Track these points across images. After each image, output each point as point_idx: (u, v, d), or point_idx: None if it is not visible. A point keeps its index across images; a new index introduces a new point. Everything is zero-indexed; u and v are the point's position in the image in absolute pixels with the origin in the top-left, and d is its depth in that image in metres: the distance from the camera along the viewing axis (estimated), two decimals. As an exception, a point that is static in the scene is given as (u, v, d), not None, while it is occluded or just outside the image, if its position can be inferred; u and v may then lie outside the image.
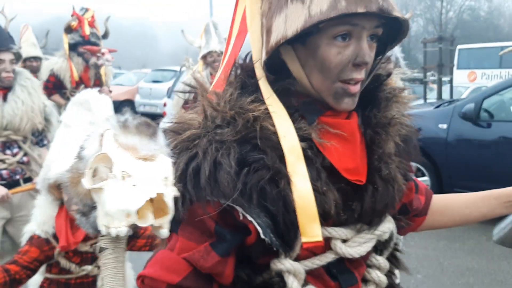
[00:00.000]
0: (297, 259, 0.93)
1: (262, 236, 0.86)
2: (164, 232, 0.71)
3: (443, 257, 4.41)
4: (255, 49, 0.96)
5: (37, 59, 5.62)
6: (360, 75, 0.92)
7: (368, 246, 0.99)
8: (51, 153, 1.99)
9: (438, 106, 6.17)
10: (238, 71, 0.97)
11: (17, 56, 2.76)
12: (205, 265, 0.88)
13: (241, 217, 0.86)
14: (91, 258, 1.95)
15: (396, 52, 3.40)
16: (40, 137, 2.88)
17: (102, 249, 0.74)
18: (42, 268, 2.01)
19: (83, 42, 5.16)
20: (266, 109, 0.90)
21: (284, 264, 0.92)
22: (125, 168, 0.67)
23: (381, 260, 1.05)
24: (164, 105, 8.82)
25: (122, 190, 0.66)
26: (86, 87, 5.03)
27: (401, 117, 1.03)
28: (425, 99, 9.77)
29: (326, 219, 0.90)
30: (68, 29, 5.19)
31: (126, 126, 0.73)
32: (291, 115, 0.91)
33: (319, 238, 0.87)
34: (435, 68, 10.14)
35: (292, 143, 0.88)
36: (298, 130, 0.90)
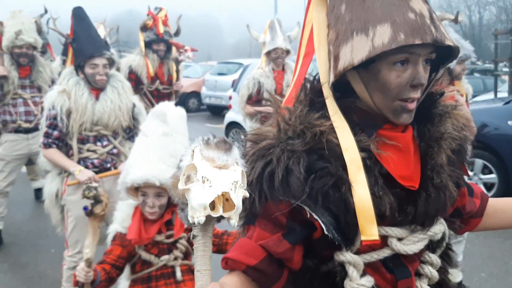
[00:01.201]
0: (358, 252, 1.08)
1: (325, 232, 1.01)
2: (233, 222, 0.89)
3: (508, 256, 4.33)
4: (322, 71, 1.11)
5: None
6: (417, 94, 1.06)
7: (421, 245, 1.12)
8: (130, 159, 2.18)
9: (508, 102, 5.96)
10: (307, 91, 1.13)
11: (111, 61, 3.06)
12: (277, 250, 1.05)
13: (308, 215, 1.02)
14: (168, 249, 2.11)
15: (466, 46, 3.37)
16: (131, 134, 3.19)
17: (194, 237, 0.93)
18: (128, 273, 2.21)
19: (157, 40, 5.44)
20: (331, 124, 1.05)
21: (345, 256, 1.07)
22: (205, 174, 0.88)
23: (434, 257, 1.18)
24: (230, 98, 9.02)
25: (202, 190, 0.87)
26: (161, 82, 5.37)
27: (453, 132, 1.15)
28: (495, 92, 9.36)
29: (383, 219, 1.05)
30: (144, 28, 5.50)
31: (208, 143, 0.92)
32: (352, 128, 1.05)
33: (376, 237, 1.01)
34: (507, 61, 9.66)
35: (353, 155, 1.02)
36: (358, 142, 1.04)
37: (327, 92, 1.09)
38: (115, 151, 3.09)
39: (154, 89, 5.36)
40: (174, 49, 5.49)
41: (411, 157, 1.10)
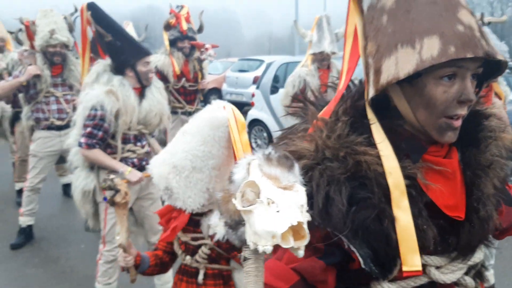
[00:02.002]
0: (394, 279, 1.04)
1: (363, 266, 0.97)
2: (300, 253, 0.81)
3: (539, 259, 4.27)
4: (366, 88, 1.05)
5: None
6: (464, 111, 1.00)
7: (459, 274, 1.08)
8: (162, 154, 2.05)
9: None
10: (347, 108, 1.07)
11: None
12: (313, 272, 1.00)
13: (346, 246, 0.98)
14: (192, 250, 2.06)
15: (502, 47, 3.31)
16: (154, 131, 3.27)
17: (245, 259, 0.86)
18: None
19: (181, 37, 5.47)
20: (377, 153, 0.99)
21: (383, 286, 1.04)
22: (269, 196, 0.80)
23: (468, 280, 1.12)
24: (253, 95, 9.01)
25: (268, 215, 0.78)
26: (187, 79, 5.41)
27: (501, 160, 1.09)
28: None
29: (423, 250, 1.00)
30: (167, 27, 5.53)
31: (269, 158, 0.85)
32: (396, 153, 0.99)
33: (419, 268, 0.96)
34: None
35: (397, 180, 0.97)
36: (403, 168, 0.98)
37: (371, 115, 1.04)
38: (149, 149, 3.15)
39: (181, 87, 5.40)
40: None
41: (457, 185, 1.05)
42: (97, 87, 2.95)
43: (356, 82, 1.15)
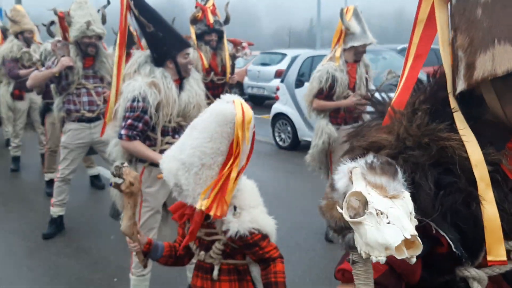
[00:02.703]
0: (479, 266, 1.04)
1: (454, 249, 0.97)
2: (413, 260, 0.81)
3: None
4: (448, 79, 1.05)
5: None
6: None
7: None
8: (172, 149, 1.98)
9: None
10: (425, 97, 1.07)
11: None
12: (402, 263, 0.98)
13: (434, 231, 0.98)
14: (206, 245, 2.02)
15: None
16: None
17: (353, 262, 0.88)
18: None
19: (208, 31, 5.44)
20: (460, 138, 1.00)
21: (470, 272, 1.04)
22: (378, 207, 0.79)
23: None
24: (277, 89, 8.97)
25: (379, 227, 0.78)
26: (215, 73, 5.39)
27: None
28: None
29: (509, 235, 1.00)
30: (194, 21, 5.50)
31: (372, 167, 0.85)
32: (479, 141, 1.00)
33: (504, 258, 0.97)
34: None
35: (482, 172, 0.98)
36: (486, 155, 0.99)
37: (454, 104, 1.04)
38: None
39: (209, 81, 5.38)
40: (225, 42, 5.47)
41: None
42: (139, 79, 2.91)
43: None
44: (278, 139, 8.71)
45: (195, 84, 3.07)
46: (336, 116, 4.42)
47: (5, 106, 6.78)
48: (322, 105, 4.37)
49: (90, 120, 4.52)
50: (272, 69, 13.99)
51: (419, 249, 0.80)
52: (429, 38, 1.12)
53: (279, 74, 13.44)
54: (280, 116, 8.63)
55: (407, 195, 0.84)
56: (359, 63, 4.38)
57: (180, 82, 3.05)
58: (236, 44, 5.35)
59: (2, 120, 7.82)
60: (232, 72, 5.50)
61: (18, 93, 6.77)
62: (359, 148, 1.08)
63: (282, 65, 13.64)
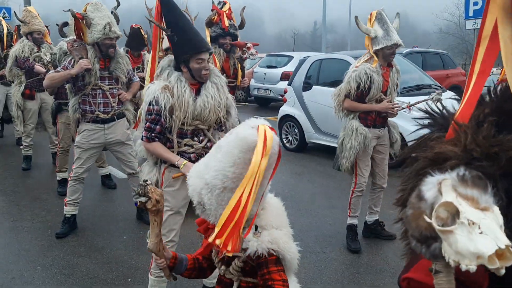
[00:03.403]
0: None
1: None
2: (502, 272, 0.82)
3: None
4: None
5: None
6: None
7: None
8: (201, 163, 1.97)
9: None
10: (491, 109, 1.09)
11: (209, 56, 3.10)
12: (472, 275, 0.98)
13: None
14: (227, 261, 1.99)
15: None
16: (220, 124, 3.22)
17: (436, 272, 0.90)
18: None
19: (223, 34, 5.50)
20: None
21: None
22: (470, 217, 0.82)
23: None
24: (285, 91, 9.01)
25: (471, 236, 0.80)
26: (227, 76, 5.43)
27: None
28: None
29: None
30: (209, 23, 5.56)
31: (464, 179, 0.87)
32: None
33: None
34: None
35: None
36: None
37: None
38: (209, 144, 3.15)
39: (221, 83, 5.41)
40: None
41: None
42: (156, 82, 3.00)
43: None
44: (285, 141, 8.75)
45: (214, 89, 3.06)
46: (366, 118, 4.40)
47: (16, 105, 6.84)
48: (354, 106, 4.35)
49: (104, 121, 4.57)
50: (278, 71, 14.04)
51: (510, 260, 0.81)
52: (492, 54, 1.15)
53: (285, 76, 13.49)
54: (287, 118, 8.67)
55: (496, 208, 0.85)
56: (392, 68, 4.39)
57: (198, 86, 3.07)
58: (240, 46, 5.40)
59: (13, 119, 7.90)
60: (243, 76, 5.55)
61: (29, 93, 6.83)
62: (425, 159, 1.09)
63: (288, 67, 13.69)
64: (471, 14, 12.25)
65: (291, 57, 14.23)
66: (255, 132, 1.75)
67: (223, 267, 2.00)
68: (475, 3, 12.14)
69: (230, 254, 1.76)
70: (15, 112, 6.89)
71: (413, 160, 1.16)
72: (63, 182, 6.03)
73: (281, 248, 1.82)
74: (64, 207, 4.77)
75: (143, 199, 2.02)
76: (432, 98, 4.48)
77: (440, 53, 13.86)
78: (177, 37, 3.05)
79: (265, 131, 1.74)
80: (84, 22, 4.28)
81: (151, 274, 3.24)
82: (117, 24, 4.58)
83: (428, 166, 1.07)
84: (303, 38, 59.14)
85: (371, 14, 4.32)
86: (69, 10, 4.46)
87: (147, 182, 2.06)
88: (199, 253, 2.19)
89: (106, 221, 5.14)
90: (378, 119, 4.41)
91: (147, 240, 2.15)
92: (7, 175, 6.88)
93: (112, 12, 4.61)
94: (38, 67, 6.52)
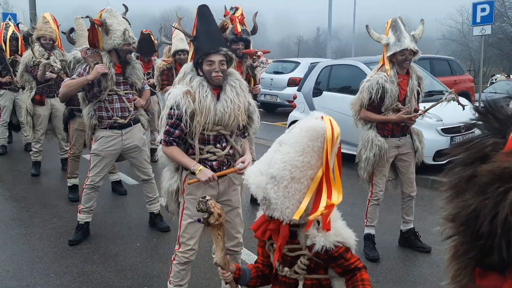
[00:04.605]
0: None
1: None
2: None
3: None
4: None
5: (184, 51, 6.15)
6: None
7: None
8: (257, 165, 2.01)
9: None
10: None
11: (228, 58, 3.02)
12: None
13: None
14: (290, 261, 2.03)
15: None
16: (243, 130, 3.17)
17: None
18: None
19: (236, 39, 5.47)
20: None
21: None
22: None
23: None
24: (294, 97, 8.98)
25: None
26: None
27: None
28: None
29: None
30: (222, 29, 5.53)
31: None
32: None
33: None
34: None
35: None
36: None
37: None
38: (231, 151, 3.10)
39: (234, 89, 5.38)
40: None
41: None
42: (179, 87, 2.96)
43: None
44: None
45: (232, 92, 2.99)
46: (383, 128, 4.33)
47: (25, 111, 6.82)
48: (369, 117, 4.29)
49: (121, 127, 4.53)
50: (285, 77, 14.02)
51: None
52: None
53: (292, 82, 13.47)
54: (297, 124, 8.62)
55: None
56: (412, 75, 4.29)
57: (219, 91, 3.02)
58: (251, 54, 5.37)
59: (21, 125, 7.88)
60: (255, 83, 5.52)
61: (39, 98, 6.80)
62: (488, 174, 0.99)
63: (295, 73, 13.68)
64: (478, 20, 12.20)
65: (298, 63, 14.22)
66: (322, 121, 1.87)
67: (285, 268, 2.03)
68: (483, 10, 12.09)
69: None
70: (25, 118, 6.86)
71: (471, 175, 1.07)
72: (74, 188, 5.99)
73: (344, 238, 1.93)
74: (78, 214, 4.72)
75: (205, 214, 2.09)
76: (446, 99, 4.42)
77: (448, 59, 13.82)
78: (196, 42, 3.07)
79: (330, 120, 1.88)
80: (102, 29, 4.26)
81: (170, 283, 3.18)
82: None
83: (494, 183, 0.98)
84: (306, 45, 59.29)
85: (387, 22, 4.30)
86: (87, 17, 4.44)
87: (206, 198, 2.12)
88: (259, 261, 2.20)
89: (119, 228, 5.08)
90: (396, 129, 4.33)
91: (212, 256, 2.14)
92: (16, 182, 6.84)
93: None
94: (49, 75, 6.50)
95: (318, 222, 1.94)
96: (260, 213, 2.15)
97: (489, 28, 11.97)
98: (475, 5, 12.26)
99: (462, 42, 43.01)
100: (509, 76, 27.90)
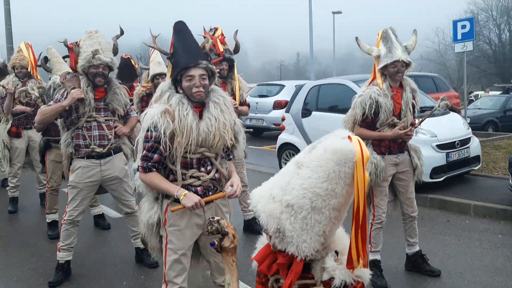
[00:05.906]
0: None
1: None
2: None
3: None
4: None
5: (162, 75, 5.90)
6: None
7: None
8: (268, 187, 1.79)
9: None
10: None
11: (210, 73, 2.75)
12: None
13: None
14: None
15: None
16: (227, 152, 2.89)
17: None
18: None
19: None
20: None
21: None
22: None
23: None
24: (283, 119, 8.78)
25: None
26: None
27: None
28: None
29: None
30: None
31: None
32: None
33: None
34: None
35: None
36: None
37: None
38: (217, 175, 2.81)
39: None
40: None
41: None
42: (155, 106, 2.67)
43: None
44: (284, 171, 8.43)
45: (216, 109, 2.72)
46: (380, 145, 4.06)
47: (2, 144, 6.46)
48: (364, 135, 3.95)
49: (100, 156, 4.18)
50: (270, 100, 13.88)
51: None
52: None
53: (277, 105, 13.31)
54: (287, 146, 8.38)
55: None
56: (405, 87, 4.05)
57: (201, 108, 2.74)
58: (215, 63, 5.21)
59: (-2, 160, 7.47)
60: (241, 100, 5.31)
61: (15, 130, 6.47)
62: None
63: (281, 96, 13.55)
64: (459, 37, 12.24)
65: (282, 86, 14.11)
66: (350, 142, 1.61)
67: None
68: (463, 26, 12.17)
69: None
70: (1, 151, 6.49)
71: None
72: (54, 224, 5.61)
73: (362, 271, 1.68)
74: (57, 252, 4.32)
75: (218, 237, 1.88)
76: (440, 105, 4.19)
77: (432, 76, 13.86)
78: (173, 59, 2.79)
79: (359, 141, 1.61)
80: (75, 51, 3.99)
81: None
82: (115, 54, 4.26)
83: None
84: (286, 70, 59.95)
85: (378, 34, 4.07)
86: (62, 42, 4.17)
87: (217, 218, 1.92)
88: None
89: (103, 266, 4.69)
90: (393, 145, 4.05)
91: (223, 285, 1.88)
92: (-8, 219, 6.41)
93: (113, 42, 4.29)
94: (20, 107, 6.23)
95: (337, 253, 1.70)
96: (261, 241, 1.90)
97: (470, 44, 12.02)
98: (455, 22, 12.34)
99: (439, 61, 43.81)
100: (488, 90, 28.38)
